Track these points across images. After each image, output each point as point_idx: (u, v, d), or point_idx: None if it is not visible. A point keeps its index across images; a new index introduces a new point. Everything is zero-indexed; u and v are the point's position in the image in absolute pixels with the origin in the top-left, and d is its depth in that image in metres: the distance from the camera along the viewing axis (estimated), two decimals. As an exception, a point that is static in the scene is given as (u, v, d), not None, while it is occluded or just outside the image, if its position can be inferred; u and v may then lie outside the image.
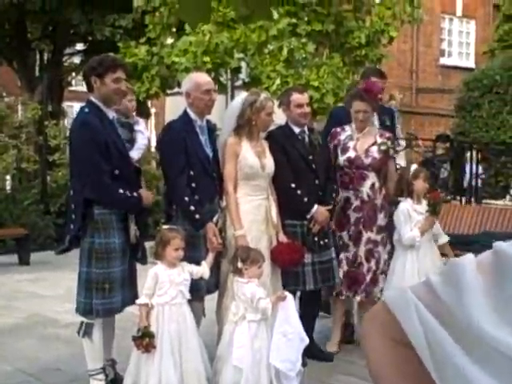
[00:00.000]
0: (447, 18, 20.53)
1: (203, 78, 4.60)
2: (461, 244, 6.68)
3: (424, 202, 4.98)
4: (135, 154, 4.71)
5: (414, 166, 6.07)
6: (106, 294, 3.99)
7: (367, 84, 5.10)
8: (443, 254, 6.65)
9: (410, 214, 4.89)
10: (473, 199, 10.78)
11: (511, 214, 6.98)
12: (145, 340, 3.86)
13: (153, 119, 21.75)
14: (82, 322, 4.11)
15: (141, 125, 4.79)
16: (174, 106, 10.75)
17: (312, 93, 8.75)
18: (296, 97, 4.80)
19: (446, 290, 0.88)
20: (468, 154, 11.88)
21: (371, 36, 9.67)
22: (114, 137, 4.06)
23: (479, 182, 11.66)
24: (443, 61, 20.37)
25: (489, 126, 13.81)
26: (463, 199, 10.89)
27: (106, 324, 4.20)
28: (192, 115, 4.46)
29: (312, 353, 4.66)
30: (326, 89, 8.82)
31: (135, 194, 4.09)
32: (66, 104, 20.23)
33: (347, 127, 5.08)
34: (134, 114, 4.92)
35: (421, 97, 19.73)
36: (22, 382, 4.48)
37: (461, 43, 20.97)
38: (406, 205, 4.91)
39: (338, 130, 5.10)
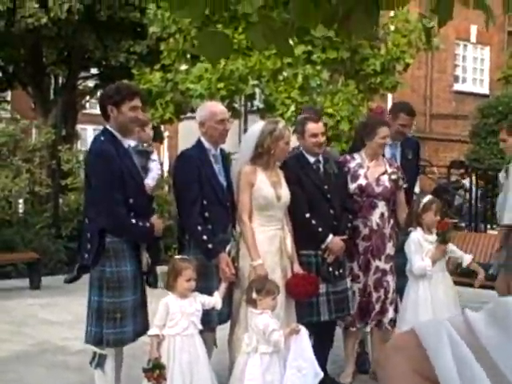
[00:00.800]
0: (462, 45, 20.55)
1: (218, 108, 4.60)
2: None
3: (434, 232, 4.92)
4: (150, 181, 4.72)
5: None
6: (118, 323, 3.94)
7: (377, 110, 5.09)
8: (459, 282, 6.58)
9: (421, 243, 4.81)
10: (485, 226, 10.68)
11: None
12: (155, 372, 3.82)
13: (166, 143, 21.85)
14: (94, 353, 4.05)
15: (155, 154, 4.81)
16: (186, 130, 10.77)
17: (326, 120, 8.73)
18: (311, 126, 4.77)
19: (489, 331, 0.82)
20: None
21: (386, 63, 9.67)
22: (130, 165, 4.04)
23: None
24: (457, 87, 20.36)
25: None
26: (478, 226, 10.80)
27: (117, 354, 4.14)
28: (206, 144, 4.44)
29: (325, 384, 4.58)
30: (341, 115, 8.80)
31: (148, 223, 4.06)
32: (79, 127, 20.35)
33: (356, 155, 5.06)
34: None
35: (435, 123, 19.71)
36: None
37: (475, 69, 20.97)
38: (416, 234, 4.84)
39: (348, 157, 5.10)
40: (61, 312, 7.27)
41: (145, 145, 4.66)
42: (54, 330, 6.50)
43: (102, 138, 4.05)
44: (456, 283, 6.56)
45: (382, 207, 4.94)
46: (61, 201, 10.95)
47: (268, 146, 4.42)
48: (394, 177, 4.98)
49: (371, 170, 4.97)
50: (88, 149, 4.31)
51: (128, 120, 4.01)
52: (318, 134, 4.77)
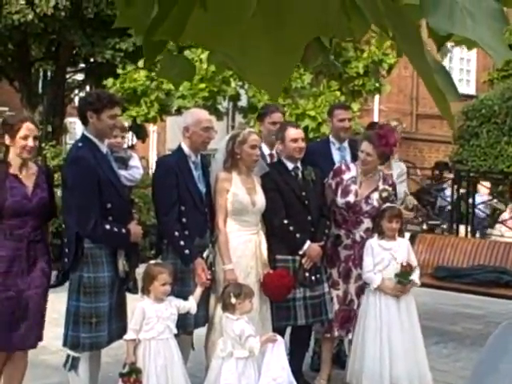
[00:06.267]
0: (448, 45, 20.58)
1: (204, 115, 4.66)
2: (453, 277, 6.72)
3: (398, 239, 4.94)
4: (127, 182, 4.68)
5: (409, 198, 6.07)
6: (93, 328, 3.99)
7: (385, 132, 4.99)
8: (436, 286, 6.64)
9: (373, 248, 4.86)
10: (468, 229, 10.78)
11: (504, 248, 6.97)
12: (132, 376, 3.88)
13: (154, 138, 21.84)
14: (68, 356, 4.12)
15: (135, 159, 4.82)
16: (176, 125, 10.79)
17: (308, 122, 8.80)
18: (291, 132, 4.84)
19: None
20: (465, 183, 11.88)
21: (369, 66, 9.74)
22: (107, 170, 4.10)
23: (478, 212, 11.67)
24: (443, 87, 20.43)
25: (487, 155, 13.88)
26: (461, 229, 10.90)
27: (92, 356, 4.20)
28: (186, 150, 4.50)
29: (301, 387, 4.65)
30: (323, 118, 8.87)
31: (123, 229, 4.10)
32: (69, 120, 20.27)
33: (352, 166, 5.04)
34: (128, 149, 4.96)
35: (421, 123, 19.80)
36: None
37: (461, 70, 21.07)
38: (370, 241, 4.89)
39: (343, 167, 5.06)
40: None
41: (121, 152, 4.68)
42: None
43: (80, 144, 4.14)
44: (434, 287, 6.72)
45: (367, 223, 4.94)
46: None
47: (233, 151, 4.53)
48: (384, 194, 4.94)
49: (363, 186, 4.95)
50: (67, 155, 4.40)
51: (107, 127, 4.10)
52: (298, 139, 4.84)
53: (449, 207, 11.68)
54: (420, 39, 1.12)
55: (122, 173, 4.51)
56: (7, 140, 3.96)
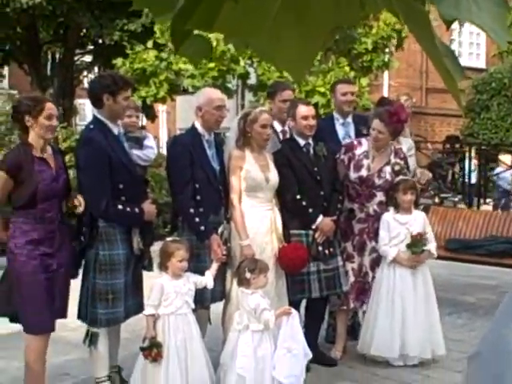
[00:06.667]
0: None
1: (216, 94, 4.69)
2: (466, 249, 6.77)
3: (413, 212, 5.00)
4: (141, 162, 4.73)
5: (418, 171, 6.09)
6: (110, 304, 4.08)
7: (396, 109, 5.04)
8: (450, 258, 6.69)
9: (390, 223, 4.92)
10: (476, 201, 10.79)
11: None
12: (153, 350, 3.96)
13: (164, 118, 21.88)
14: (87, 331, 4.21)
15: (150, 139, 4.87)
16: (186, 104, 10.81)
17: (318, 98, 8.80)
18: (302, 109, 4.87)
19: None
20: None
21: (378, 42, 9.71)
22: (119, 151, 4.14)
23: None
24: (453, 61, 20.29)
25: (498, 128, 13.85)
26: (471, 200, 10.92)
27: (111, 332, 4.30)
28: (200, 129, 4.56)
29: (316, 358, 4.73)
30: (333, 94, 8.87)
31: (137, 209, 4.15)
32: (78, 102, 20.34)
33: (364, 141, 5.07)
34: (143, 129, 4.98)
35: (431, 97, 19.72)
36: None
37: (471, 44, 20.92)
38: (387, 215, 4.95)
39: (355, 142, 5.11)
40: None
41: (136, 132, 4.72)
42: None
43: (92, 126, 4.18)
44: (447, 258, 6.78)
45: (380, 196, 5.01)
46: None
47: (244, 129, 4.58)
48: (397, 168, 5.01)
49: (375, 160, 5.00)
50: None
51: (121, 108, 4.15)
52: (309, 116, 4.86)
53: (461, 180, 11.70)
54: (429, 26, 1.19)
55: (137, 152, 4.56)
56: (28, 121, 3.86)
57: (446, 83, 1.25)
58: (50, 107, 3.91)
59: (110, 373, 4.31)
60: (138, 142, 4.67)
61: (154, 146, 4.92)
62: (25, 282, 3.85)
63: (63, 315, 4.07)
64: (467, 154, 11.60)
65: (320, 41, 1.18)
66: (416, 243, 4.85)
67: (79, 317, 4.21)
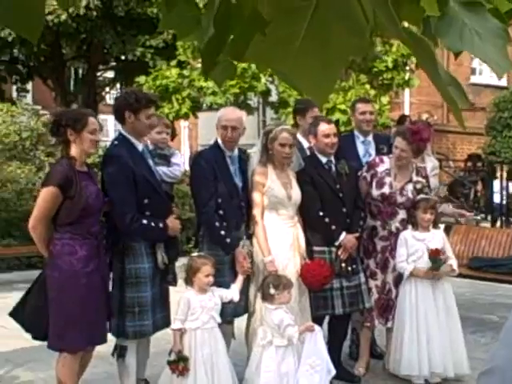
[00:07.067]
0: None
1: (224, 113, 4.76)
2: (489, 267, 6.74)
3: (431, 230, 5.00)
4: (167, 179, 4.78)
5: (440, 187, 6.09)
6: (136, 317, 4.13)
7: (419, 127, 5.09)
8: (471, 276, 6.66)
9: (407, 240, 4.93)
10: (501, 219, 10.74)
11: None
12: (180, 364, 4.00)
13: (186, 133, 22.01)
14: (116, 345, 4.26)
15: (177, 157, 4.94)
16: (207, 120, 10.90)
17: (339, 116, 8.84)
18: (323, 127, 4.91)
19: None
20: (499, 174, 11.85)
21: (398, 60, 9.75)
22: (143, 167, 4.19)
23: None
24: (474, 79, 20.28)
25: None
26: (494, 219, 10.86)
27: (140, 345, 4.34)
28: (222, 145, 4.63)
29: (339, 375, 4.73)
30: (353, 112, 8.92)
31: (161, 224, 4.18)
32: (101, 118, 20.50)
33: (386, 159, 5.11)
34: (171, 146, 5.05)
35: (452, 115, 19.68)
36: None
37: (492, 61, 20.86)
38: (405, 233, 4.96)
39: (377, 160, 5.15)
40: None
41: (165, 149, 4.79)
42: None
43: (116, 142, 4.26)
44: (470, 277, 6.75)
45: (402, 214, 5.02)
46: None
47: (266, 146, 4.64)
48: (418, 186, 5.03)
49: (397, 178, 5.03)
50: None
51: (144, 127, 4.22)
52: (331, 134, 4.89)
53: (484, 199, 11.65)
54: (434, 59, 1.28)
55: (163, 169, 4.63)
56: (72, 135, 3.88)
57: (451, 109, 1.36)
58: (93, 122, 3.94)
59: (137, 386, 4.36)
60: (166, 159, 4.73)
61: (181, 163, 4.97)
62: (75, 300, 3.83)
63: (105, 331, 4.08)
64: (491, 173, 11.56)
65: (340, 67, 1.25)
66: (435, 259, 4.85)
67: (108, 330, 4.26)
